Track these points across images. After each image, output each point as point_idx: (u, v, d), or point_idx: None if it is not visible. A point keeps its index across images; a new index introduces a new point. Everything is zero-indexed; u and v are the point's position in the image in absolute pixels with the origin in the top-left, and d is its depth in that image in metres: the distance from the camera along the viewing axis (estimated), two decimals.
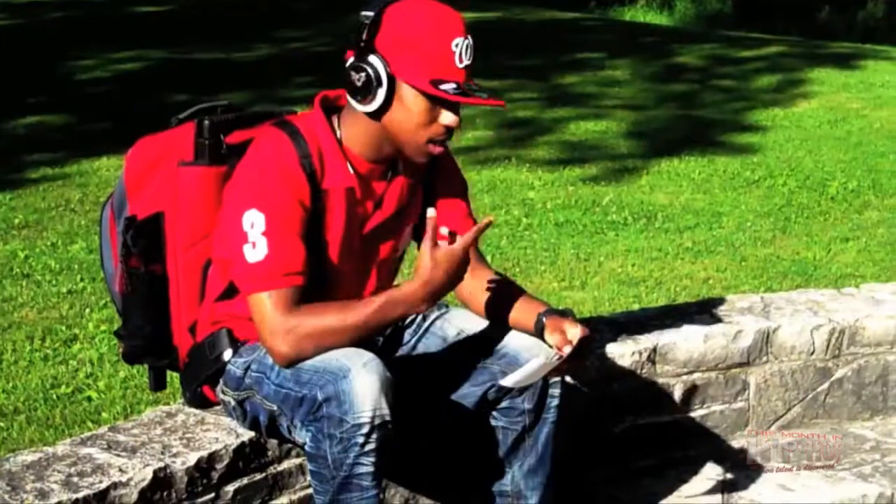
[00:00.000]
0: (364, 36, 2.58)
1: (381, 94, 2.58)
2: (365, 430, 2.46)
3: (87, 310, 4.66)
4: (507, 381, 2.66)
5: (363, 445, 2.47)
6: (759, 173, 6.84)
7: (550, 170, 6.92)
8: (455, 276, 2.58)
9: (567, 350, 2.64)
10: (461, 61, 2.58)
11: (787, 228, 5.92)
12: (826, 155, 7.24)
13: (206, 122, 2.72)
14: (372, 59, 2.57)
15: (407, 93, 2.58)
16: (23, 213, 5.94)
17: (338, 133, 2.67)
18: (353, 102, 2.62)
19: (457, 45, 2.57)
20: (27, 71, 9.33)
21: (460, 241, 2.56)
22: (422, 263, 2.55)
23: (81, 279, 5.01)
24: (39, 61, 9.68)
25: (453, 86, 2.56)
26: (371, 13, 2.57)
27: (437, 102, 2.59)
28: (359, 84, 2.58)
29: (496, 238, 5.64)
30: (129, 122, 7.03)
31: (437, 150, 2.65)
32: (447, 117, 2.61)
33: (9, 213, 5.95)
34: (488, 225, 2.56)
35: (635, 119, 8.21)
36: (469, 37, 2.60)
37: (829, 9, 15.14)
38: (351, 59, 2.60)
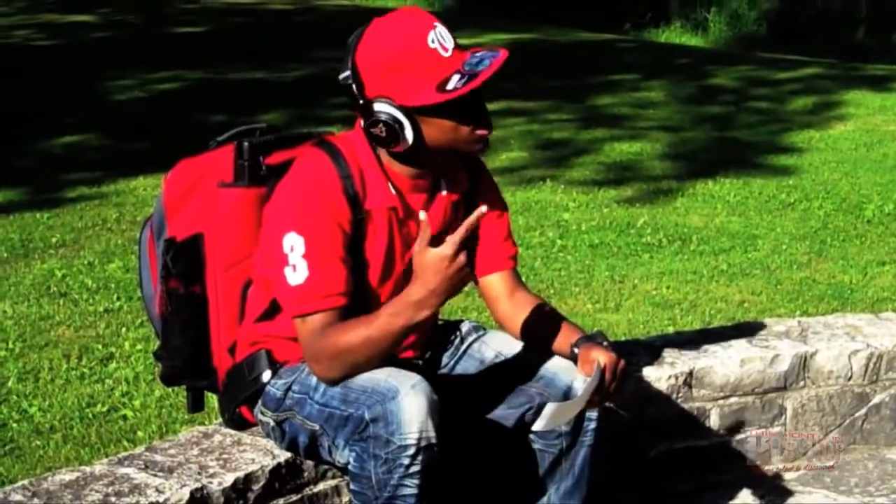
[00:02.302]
0: (356, 94, 2.59)
1: (409, 129, 2.58)
2: (411, 451, 2.46)
3: (124, 329, 4.69)
4: (537, 426, 2.65)
5: (408, 467, 2.48)
6: (794, 196, 6.80)
7: (585, 191, 6.91)
8: (451, 278, 2.46)
9: (591, 381, 2.63)
10: (445, 50, 2.57)
11: (823, 252, 5.89)
12: (862, 178, 7.19)
13: (246, 144, 2.74)
14: (377, 107, 2.57)
15: (426, 112, 2.58)
16: (60, 232, 5.98)
17: (378, 152, 2.68)
18: (392, 151, 2.63)
19: (433, 40, 2.56)
20: (65, 90, 9.39)
21: (449, 241, 2.46)
22: (413, 268, 2.50)
23: (118, 298, 5.03)
24: (78, 81, 9.75)
25: (457, 77, 2.55)
26: (347, 72, 2.59)
27: (455, 103, 2.56)
28: (385, 135, 2.59)
29: (530, 259, 5.64)
30: (166, 142, 7.09)
31: (487, 132, 2.63)
32: (474, 108, 2.59)
33: (46, 232, 5.99)
34: (480, 217, 2.47)
35: (670, 141, 8.19)
36: (436, 21, 2.58)
37: (864, 31, 15.07)
38: (362, 123, 2.61)
